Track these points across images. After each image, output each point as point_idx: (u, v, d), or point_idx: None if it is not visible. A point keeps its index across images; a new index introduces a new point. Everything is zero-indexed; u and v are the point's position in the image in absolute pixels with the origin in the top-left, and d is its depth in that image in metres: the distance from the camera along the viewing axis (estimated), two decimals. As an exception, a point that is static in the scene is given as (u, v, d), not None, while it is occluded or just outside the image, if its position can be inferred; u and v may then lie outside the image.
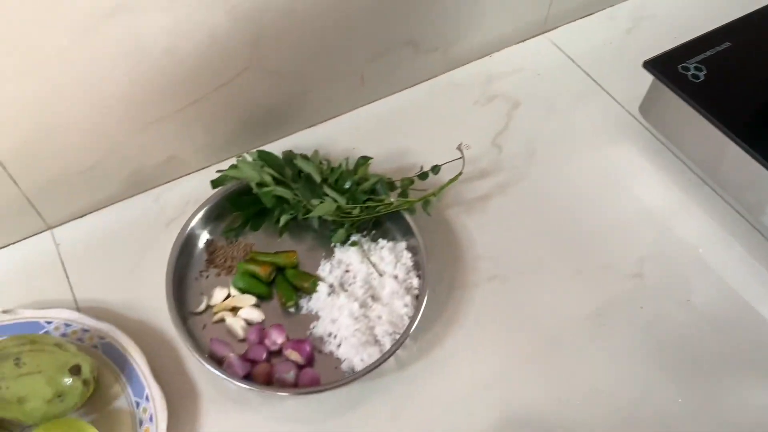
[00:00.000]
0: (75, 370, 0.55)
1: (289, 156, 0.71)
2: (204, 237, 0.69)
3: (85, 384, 0.55)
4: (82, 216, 0.72)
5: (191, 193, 0.73)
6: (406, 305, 0.63)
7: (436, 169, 0.70)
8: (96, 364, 0.58)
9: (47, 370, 0.53)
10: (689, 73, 0.72)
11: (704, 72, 0.72)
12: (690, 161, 0.76)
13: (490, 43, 0.88)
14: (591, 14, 0.95)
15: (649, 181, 0.76)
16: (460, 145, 0.70)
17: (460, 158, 0.69)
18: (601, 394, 0.61)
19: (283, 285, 0.66)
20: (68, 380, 0.54)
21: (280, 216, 0.68)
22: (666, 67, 0.73)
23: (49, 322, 0.61)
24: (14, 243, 0.70)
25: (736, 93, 0.71)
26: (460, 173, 0.69)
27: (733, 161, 0.68)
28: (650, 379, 0.61)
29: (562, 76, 0.87)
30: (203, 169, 0.76)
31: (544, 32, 0.93)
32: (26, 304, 0.64)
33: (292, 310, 0.65)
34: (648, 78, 0.74)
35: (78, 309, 0.65)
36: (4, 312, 0.62)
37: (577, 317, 0.65)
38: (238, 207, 0.70)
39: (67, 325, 0.61)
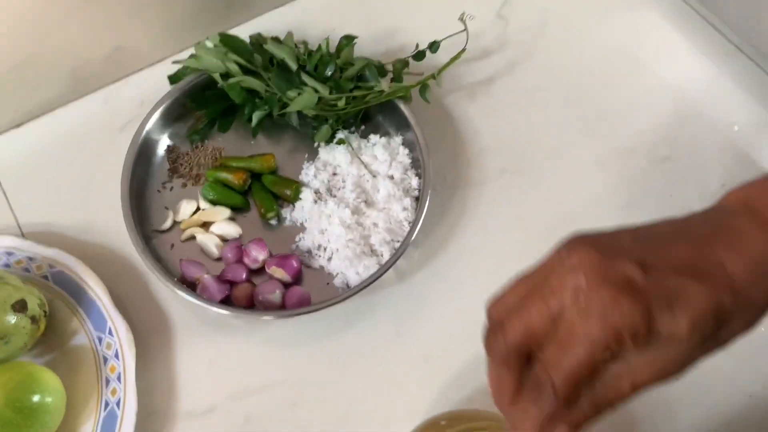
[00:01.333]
0: (19, 306, 0.46)
1: (258, 40, 0.60)
2: (164, 142, 0.59)
3: (33, 321, 0.47)
4: (17, 126, 0.61)
5: (146, 91, 0.62)
6: (405, 209, 0.54)
7: (434, 46, 0.59)
8: (46, 298, 0.50)
9: (-17, 309, 0.45)
10: None
11: None
12: (724, 25, 0.65)
13: None
14: None
15: (677, 52, 0.65)
16: (463, 15, 0.58)
17: (463, 31, 0.58)
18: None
19: (261, 193, 0.57)
20: (12, 318, 0.46)
21: (251, 113, 0.58)
22: None
23: (-12, 251, 0.52)
24: (-60, 162, 0.60)
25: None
26: (464, 49, 0.58)
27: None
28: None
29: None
30: (158, 62, 0.65)
31: None
32: (-38, 231, 0.55)
33: (273, 222, 0.56)
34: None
35: (22, 235, 0.56)
36: (-67, 242, 0.53)
37: (602, 210, 0.57)
38: (201, 104, 0.59)
39: (9, 254, 0.52)
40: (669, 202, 0.58)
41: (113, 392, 0.47)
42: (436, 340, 0.52)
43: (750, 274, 0.28)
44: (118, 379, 0.47)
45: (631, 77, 0.64)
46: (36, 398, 0.44)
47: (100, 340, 0.49)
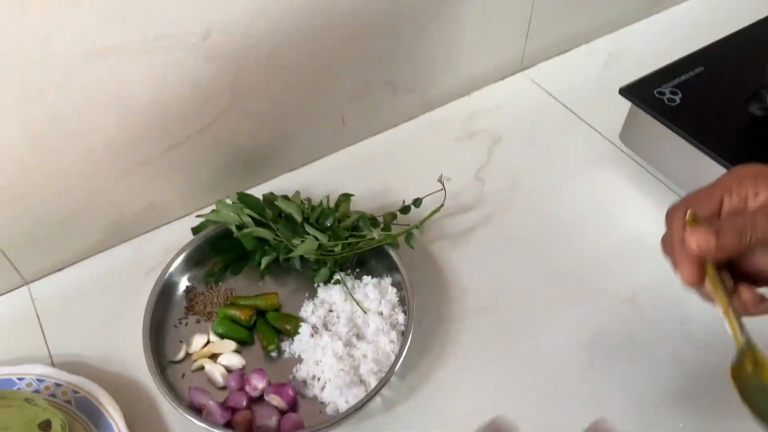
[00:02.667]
0: (44, 426, 0.52)
1: (270, 198, 0.71)
2: (183, 284, 0.68)
3: (55, 439, 0.52)
4: (59, 269, 0.71)
5: (172, 241, 0.72)
6: (391, 341, 0.61)
7: (417, 202, 0.69)
8: (68, 420, 0.55)
9: (14, 426, 0.51)
10: (665, 97, 0.72)
11: (680, 95, 0.72)
12: (673, 183, 0.76)
13: (468, 82, 0.89)
14: (567, 51, 0.96)
15: (635, 207, 0.75)
16: (441, 177, 0.69)
17: (441, 190, 0.68)
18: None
19: (264, 328, 0.64)
20: (37, 436, 0.51)
21: (261, 258, 0.66)
22: (642, 92, 0.73)
23: (21, 379, 0.59)
24: (-11, 300, 0.68)
25: (711, 113, 0.72)
26: (442, 205, 0.68)
27: (712, 179, 0.68)
28: (650, 408, 0.58)
29: (542, 111, 0.88)
30: (184, 216, 0.76)
31: (521, 70, 0.94)
32: (2, 360, 0.61)
33: (274, 354, 0.63)
34: (626, 106, 0.74)
35: (53, 364, 0.62)
36: (-24, 370, 0.60)
37: (570, 347, 0.63)
38: (218, 251, 0.68)
39: (40, 381, 0.59)
40: (633, 341, 0.63)
41: None
42: (419, 465, 0.56)
43: None
44: (124, 497, 0.51)
45: (595, 227, 0.73)
46: None
47: (111, 460, 0.54)
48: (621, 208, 0.75)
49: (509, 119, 0.86)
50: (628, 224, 0.73)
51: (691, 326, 0.64)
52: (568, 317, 0.65)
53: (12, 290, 0.69)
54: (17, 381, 0.59)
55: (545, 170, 0.79)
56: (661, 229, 0.70)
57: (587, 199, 0.76)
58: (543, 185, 0.77)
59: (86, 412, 0.57)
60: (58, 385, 0.59)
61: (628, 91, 0.74)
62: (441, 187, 0.69)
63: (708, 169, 0.67)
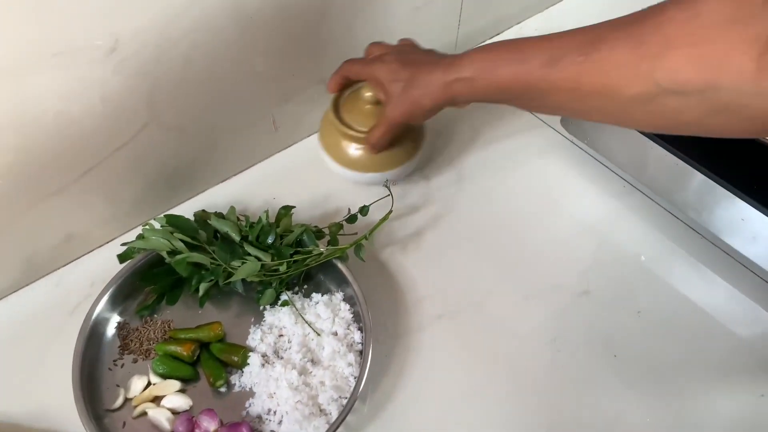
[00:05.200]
0: (-34, 508, 0.46)
1: (203, 216, 0.65)
2: (115, 320, 0.62)
3: None
4: (-31, 315, 0.63)
5: (96, 271, 0.66)
6: (350, 364, 0.57)
7: (364, 210, 0.65)
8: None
9: None
10: (605, 81, 0.71)
11: (619, 78, 0.71)
12: (617, 168, 0.75)
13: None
14: (500, 33, 0.94)
15: (582, 194, 0.74)
16: (387, 182, 0.66)
17: (387, 196, 0.65)
18: (569, 424, 0.57)
19: (210, 362, 0.59)
20: None
21: (198, 284, 0.61)
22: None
23: (-66, 450, 0.52)
24: None
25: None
26: (390, 211, 0.65)
27: (656, 162, 0.67)
28: (617, 400, 0.58)
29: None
30: (107, 243, 0.69)
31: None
32: None
33: (222, 389, 0.58)
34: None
35: (-29, 427, 0.55)
36: None
37: (531, 344, 0.61)
38: (150, 281, 0.63)
39: (-43, 450, 0.52)
40: (593, 333, 0.62)
41: None
42: (391, 493, 0.53)
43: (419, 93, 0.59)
44: None
45: (545, 220, 0.71)
46: None
47: None
48: (568, 197, 0.74)
49: (448, 110, 0.83)
50: (576, 213, 0.72)
51: (649, 315, 0.63)
52: (527, 316, 0.63)
53: None
54: (-71, 454, 0.52)
55: (488, 161, 0.77)
56: (609, 216, 0.69)
57: (533, 188, 0.74)
58: (487, 177, 0.75)
59: (15, 480, 0.51)
60: (-22, 453, 0.52)
61: (567, 76, 0.72)
62: (387, 192, 0.65)
63: (650, 152, 0.66)
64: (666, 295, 0.65)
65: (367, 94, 0.67)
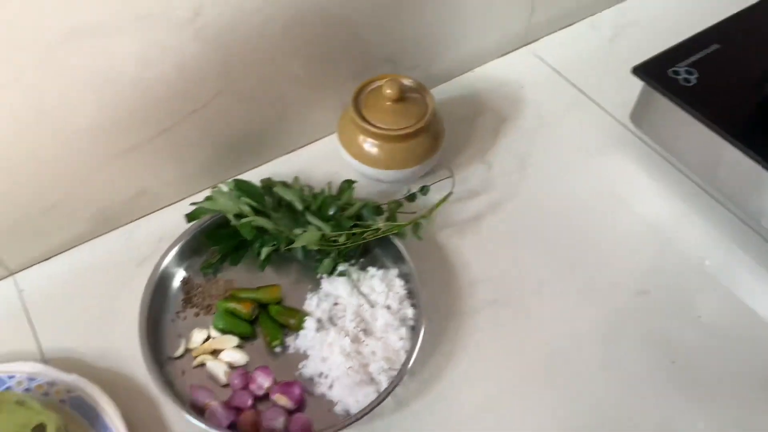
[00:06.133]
0: (39, 430, 0.49)
1: (268, 184, 0.67)
2: (180, 275, 0.65)
3: (50, 446, 0.50)
4: (46, 259, 0.67)
5: (165, 228, 0.69)
6: (401, 338, 0.58)
7: (424, 189, 0.66)
8: (64, 421, 0.52)
9: (7, 433, 0.48)
10: (680, 78, 0.69)
11: (696, 75, 0.69)
12: (687, 169, 0.73)
13: (470, 58, 0.86)
14: (572, 24, 0.92)
15: (647, 193, 0.73)
16: (450, 165, 0.66)
17: (449, 177, 0.65)
18: (614, 422, 0.56)
19: (267, 323, 0.61)
20: (31, 443, 0.48)
21: (260, 248, 0.63)
22: (656, 72, 0.70)
23: (11, 377, 0.56)
24: (-26, 293, 0.64)
25: (729, 94, 0.69)
26: (451, 192, 0.66)
27: (731, 165, 0.65)
28: (665, 404, 0.57)
29: (547, 88, 0.84)
30: (177, 202, 0.72)
31: (526, 44, 0.90)
32: (-12, 358, 0.58)
33: (278, 349, 0.60)
34: (637, 85, 0.71)
35: (44, 360, 0.59)
36: (-39, 369, 0.56)
37: (583, 340, 0.61)
38: (215, 241, 0.65)
39: (31, 379, 0.56)
40: (648, 334, 0.62)
41: None
42: (432, 465, 0.54)
43: None
44: (126, 505, 0.49)
45: (607, 216, 0.70)
46: None
47: (111, 464, 0.52)
48: (632, 195, 0.73)
49: (514, 97, 0.83)
50: (640, 212, 0.71)
51: (710, 322, 0.62)
52: (582, 311, 0.63)
53: (-4, 281, 0.65)
54: (6, 380, 0.56)
55: (553, 152, 0.76)
56: (674, 217, 0.67)
57: (597, 183, 0.73)
58: (551, 169, 0.75)
59: (82, 412, 0.54)
60: (50, 383, 0.56)
61: (641, 71, 0.70)
62: (449, 173, 0.66)
63: (726, 155, 0.65)
64: (729, 303, 0.64)
65: (388, 91, 0.66)
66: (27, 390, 0.56)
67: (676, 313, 0.63)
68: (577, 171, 0.74)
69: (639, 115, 0.74)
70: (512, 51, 0.89)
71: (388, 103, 0.67)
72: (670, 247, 0.68)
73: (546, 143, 0.77)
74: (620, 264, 0.66)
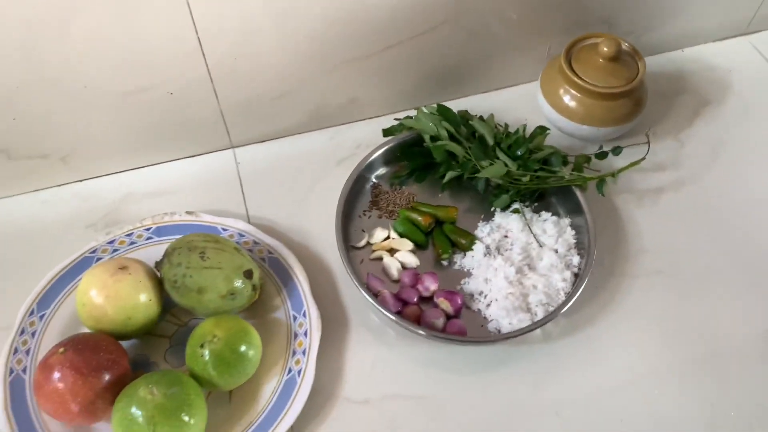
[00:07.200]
0: (248, 274, 0.59)
1: (465, 116, 0.72)
2: (371, 180, 0.72)
3: (253, 289, 0.59)
4: (262, 141, 0.77)
5: (363, 137, 0.76)
6: (564, 280, 0.62)
7: (617, 150, 0.68)
8: (262, 275, 0.62)
9: (226, 269, 0.58)
10: None
11: None
12: None
13: (685, 36, 0.84)
14: (804, 19, 0.87)
15: None
16: (648, 131, 0.67)
17: (645, 143, 0.66)
18: (760, 419, 0.57)
19: (441, 238, 0.67)
20: (240, 282, 0.58)
21: (446, 171, 0.69)
22: None
23: (225, 230, 0.66)
24: (201, 155, 0.76)
25: None
26: (644, 158, 0.67)
27: None
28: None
29: (759, 81, 0.81)
30: (377, 117, 0.79)
31: (745, 34, 0.87)
32: (206, 210, 0.69)
33: (445, 263, 0.66)
34: None
35: (250, 223, 0.69)
36: (188, 213, 0.67)
37: (746, 334, 0.61)
38: (408, 157, 0.71)
39: (241, 235, 0.66)
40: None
41: (297, 362, 0.58)
42: (569, 400, 0.58)
43: None
44: (303, 353, 0.58)
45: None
46: (244, 348, 0.55)
47: (294, 318, 0.61)
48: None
49: (721, 83, 0.81)
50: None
51: None
52: (749, 304, 0.63)
53: (220, 150, 0.76)
54: (222, 231, 0.66)
55: (751, 145, 0.74)
56: None
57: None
58: (746, 161, 0.73)
59: (277, 272, 0.64)
60: (256, 243, 0.65)
61: None
62: (645, 139, 0.67)
63: None
64: None
65: (605, 48, 0.67)
66: (237, 243, 0.66)
67: None
68: (774, 168, 0.72)
69: None
70: (729, 38, 0.86)
71: (601, 60, 0.69)
72: None
73: (745, 135, 0.75)
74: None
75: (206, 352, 0.54)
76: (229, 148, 0.76)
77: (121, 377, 0.53)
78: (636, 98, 0.70)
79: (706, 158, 0.73)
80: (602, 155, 0.68)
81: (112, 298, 0.55)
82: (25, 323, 0.59)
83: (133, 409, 0.50)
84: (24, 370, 0.57)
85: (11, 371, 0.56)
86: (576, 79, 0.69)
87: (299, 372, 0.57)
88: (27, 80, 0.61)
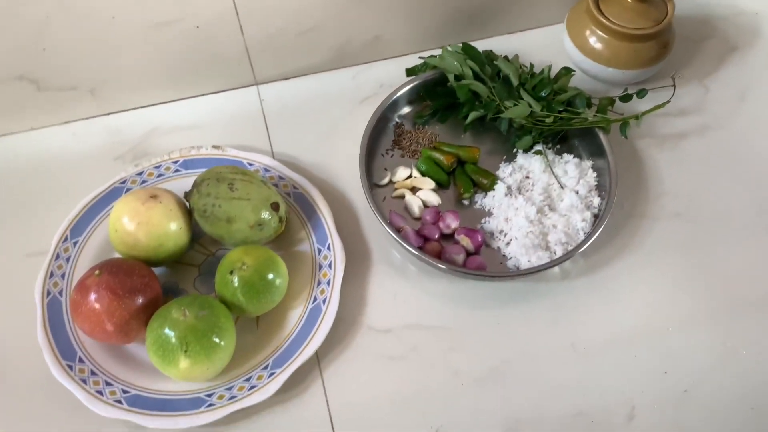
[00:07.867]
0: (275, 206, 0.60)
1: (490, 56, 0.72)
2: (393, 119, 0.72)
3: (280, 221, 0.61)
4: (286, 78, 0.77)
5: (386, 76, 0.76)
6: (584, 220, 0.63)
7: (642, 93, 0.68)
8: (288, 208, 0.63)
9: (254, 200, 0.59)
10: None
11: None
12: None
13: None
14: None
15: None
16: (674, 74, 0.67)
17: (670, 86, 0.66)
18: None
19: (462, 177, 0.68)
20: (268, 213, 0.60)
21: (469, 111, 0.69)
22: None
23: (251, 164, 0.67)
24: (226, 90, 0.76)
25: None
26: (669, 101, 0.67)
27: None
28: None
29: (790, 27, 0.80)
30: (400, 56, 0.78)
31: (777, -22, 0.84)
32: (232, 145, 0.70)
33: (466, 202, 0.67)
34: None
35: (274, 159, 0.70)
36: (215, 147, 0.69)
37: (762, 278, 0.62)
38: (431, 96, 0.71)
39: (266, 170, 0.67)
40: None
41: (322, 292, 0.60)
42: (585, 336, 0.60)
43: None
44: (327, 283, 0.60)
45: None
46: (271, 276, 0.57)
47: (319, 251, 0.62)
48: None
49: (750, 29, 0.80)
50: None
51: None
52: (766, 249, 0.64)
53: (244, 87, 0.76)
54: (248, 165, 0.67)
55: (778, 92, 0.74)
56: None
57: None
58: (772, 108, 0.73)
59: (302, 206, 0.65)
60: (281, 178, 0.67)
61: None
62: (671, 83, 0.66)
63: None
64: None
65: None
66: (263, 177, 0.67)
67: None
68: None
69: None
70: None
71: (630, 1, 0.68)
72: None
73: (773, 82, 0.75)
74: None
75: (236, 279, 0.56)
76: (253, 85, 0.77)
77: (153, 300, 0.56)
78: (663, 41, 0.70)
79: (731, 104, 0.73)
80: (627, 97, 0.68)
81: (144, 224, 0.57)
82: (60, 249, 0.61)
83: (167, 330, 0.52)
84: (60, 293, 0.59)
85: (48, 293, 0.59)
86: (603, 19, 0.68)
87: (324, 300, 0.59)
88: (56, 11, 0.61)
